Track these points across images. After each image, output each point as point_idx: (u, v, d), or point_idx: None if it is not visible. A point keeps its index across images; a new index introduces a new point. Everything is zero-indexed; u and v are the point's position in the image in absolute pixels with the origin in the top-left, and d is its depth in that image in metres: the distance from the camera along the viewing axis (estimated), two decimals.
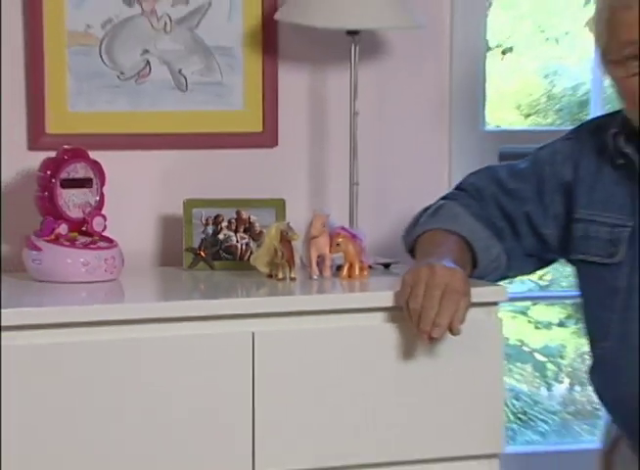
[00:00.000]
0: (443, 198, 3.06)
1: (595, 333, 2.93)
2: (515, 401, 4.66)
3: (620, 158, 2.82)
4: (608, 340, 2.86)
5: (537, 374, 4.75)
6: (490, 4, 4.07)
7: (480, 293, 2.82)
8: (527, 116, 4.23)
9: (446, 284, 2.62)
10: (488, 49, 4.09)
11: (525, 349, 4.80)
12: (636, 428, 2.83)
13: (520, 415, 4.60)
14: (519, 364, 4.80)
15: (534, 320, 4.69)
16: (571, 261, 3.00)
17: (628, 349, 2.80)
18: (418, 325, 2.63)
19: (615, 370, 2.86)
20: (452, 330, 2.61)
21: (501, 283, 3.03)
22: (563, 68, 3.87)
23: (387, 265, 3.14)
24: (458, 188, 3.10)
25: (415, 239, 2.94)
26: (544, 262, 3.11)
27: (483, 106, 3.67)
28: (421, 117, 3.55)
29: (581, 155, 2.94)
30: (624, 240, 2.82)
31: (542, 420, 4.61)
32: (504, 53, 4.12)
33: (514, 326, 4.80)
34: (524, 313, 4.70)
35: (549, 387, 4.62)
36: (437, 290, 2.61)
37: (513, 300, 4.14)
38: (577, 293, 3.05)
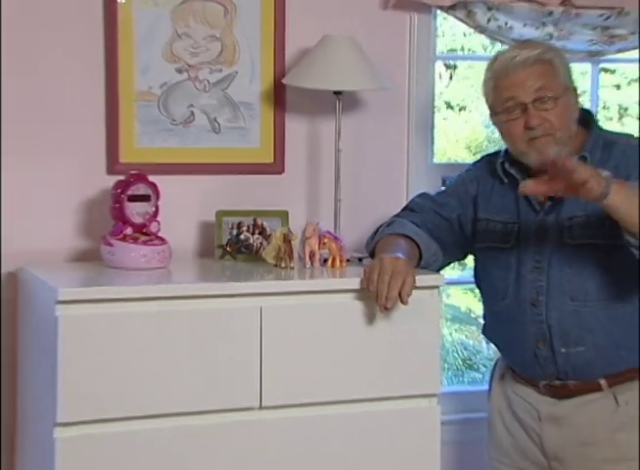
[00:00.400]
0: (394, 216, 3.13)
1: (496, 296, 3.05)
2: (464, 351, 4.81)
3: (506, 178, 3.03)
4: (506, 299, 3.00)
5: (480, 332, 4.81)
6: (451, 77, 4.13)
7: (425, 279, 2.91)
8: (475, 154, 4.21)
9: (392, 270, 2.72)
10: (450, 108, 4.18)
11: (472, 315, 4.89)
12: (525, 359, 3.00)
13: (467, 361, 4.76)
14: (467, 325, 4.94)
15: (478, 296, 4.73)
16: (476, 249, 3.15)
17: (520, 304, 2.95)
18: (376, 301, 2.72)
19: (510, 320, 3.00)
20: (402, 300, 2.72)
21: (440, 273, 3.13)
22: None
23: (360, 259, 3.15)
24: (405, 208, 3.19)
25: (374, 245, 3.02)
26: (464, 254, 3.25)
27: (432, 145, 3.66)
28: (387, 153, 3.55)
29: (480, 178, 3.15)
30: (514, 232, 2.99)
31: (482, 365, 4.74)
32: (460, 110, 4.14)
33: (465, 299, 4.89)
34: (472, 291, 4.75)
35: (487, 341, 4.68)
36: (386, 275, 2.72)
37: (464, 282, 4.20)
38: (478, 271, 3.21)
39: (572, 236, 2.89)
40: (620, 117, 4.09)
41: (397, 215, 3.13)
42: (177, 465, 2.74)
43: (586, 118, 3.01)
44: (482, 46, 3.75)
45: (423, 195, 3.21)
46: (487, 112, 3.03)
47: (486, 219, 3.06)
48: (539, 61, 2.85)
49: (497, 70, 2.89)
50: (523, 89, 2.83)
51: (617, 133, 3.14)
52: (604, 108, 4.09)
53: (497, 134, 3.07)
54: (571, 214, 2.89)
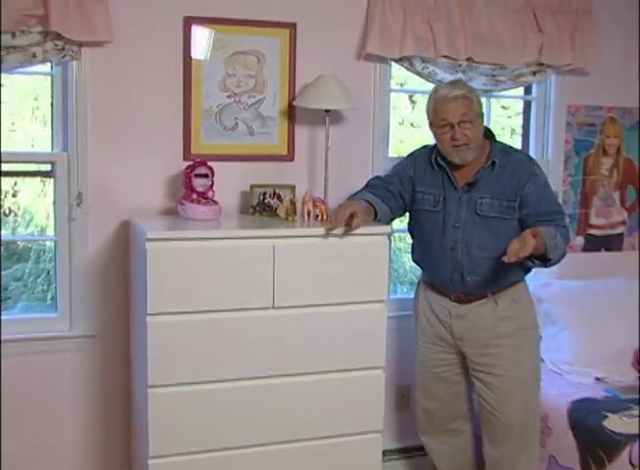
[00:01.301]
0: (361, 189, 3.08)
1: (427, 241, 3.02)
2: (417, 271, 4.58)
3: (437, 166, 2.99)
4: (434, 244, 2.99)
5: None
6: (414, 107, 3.94)
7: (379, 229, 2.93)
8: None
9: (347, 205, 2.84)
10: (413, 126, 3.93)
11: None
12: (444, 281, 3.01)
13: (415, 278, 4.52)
14: None
15: None
16: (414, 210, 3.07)
17: (444, 248, 2.96)
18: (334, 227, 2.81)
19: (436, 257, 3.00)
20: (350, 227, 2.78)
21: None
22: None
23: None
24: (366, 185, 3.10)
25: None
26: (403, 213, 3.14)
27: (387, 145, 3.51)
28: (358, 151, 3.40)
29: (417, 164, 3.06)
30: (441, 201, 2.96)
31: None
32: (419, 128, 3.87)
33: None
34: None
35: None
36: (341, 210, 2.80)
37: None
38: (413, 224, 3.12)
39: (481, 210, 2.90)
40: (511, 135, 4.01)
41: (361, 190, 3.08)
42: (222, 341, 2.75)
43: (488, 133, 2.99)
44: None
45: (377, 177, 3.16)
46: (427, 122, 2.99)
47: (422, 192, 3.02)
48: (464, 97, 2.83)
49: (437, 99, 2.87)
50: (452, 114, 2.82)
51: (507, 144, 3.08)
52: (502, 129, 3.99)
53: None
54: (481, 195, 2.90)
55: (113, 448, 3.26)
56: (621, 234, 4.06)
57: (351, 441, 2.96)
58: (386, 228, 2.96)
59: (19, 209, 3.21)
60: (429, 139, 3.09)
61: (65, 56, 2.90)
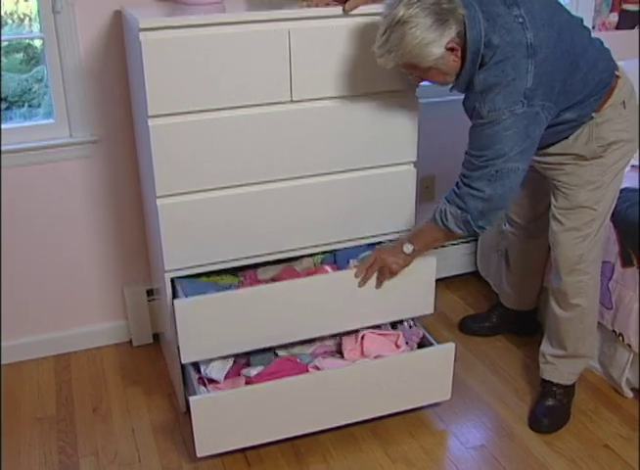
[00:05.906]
0: None
1: None
2: None
3: None
4: None
5: None
6: None
7: None
8: None
9: None
10: None
11: None
12: None
13: None
14: None
15: None
16: None
17: None
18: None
19: None
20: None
21: None
22: None
23: None
24: None
25: None
26: None
27: None
28: None
29: None
30: None
31: None
32: None
33: None
34: None
35: None
36: None
37: None
38: None
39: None
40: None
41: None
42: (238, 139, 2.17)
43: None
44: None
45: None
46: None
47: None
48: (382, 55, 1.97)
49: None
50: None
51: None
52: None
53: None
54: None
55: (131, 258, 2.85)
56: None
57: (387, 171, 2.44)
58: None
59: (30, 12, 2.55)
60: None
61: None
